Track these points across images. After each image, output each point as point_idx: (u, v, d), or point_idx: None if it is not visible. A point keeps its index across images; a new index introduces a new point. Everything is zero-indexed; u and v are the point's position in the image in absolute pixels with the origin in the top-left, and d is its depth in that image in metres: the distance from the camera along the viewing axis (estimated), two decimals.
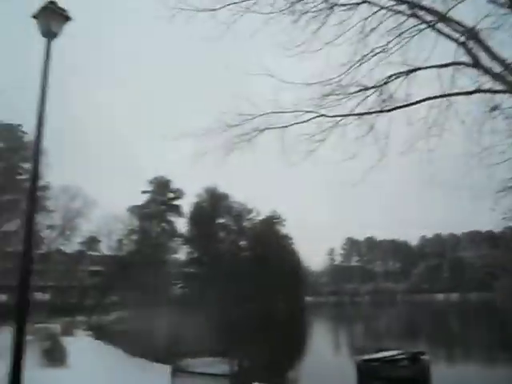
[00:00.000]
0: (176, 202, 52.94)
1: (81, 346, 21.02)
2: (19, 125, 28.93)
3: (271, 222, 59.50)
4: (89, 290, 38.17)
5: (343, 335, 34.56)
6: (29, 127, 26.67)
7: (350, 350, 23.61)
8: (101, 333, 27.28)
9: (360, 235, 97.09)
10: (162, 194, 52.11)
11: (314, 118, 6.47)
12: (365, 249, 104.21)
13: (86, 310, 35.64)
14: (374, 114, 6.38)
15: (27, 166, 28.11)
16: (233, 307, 46.24)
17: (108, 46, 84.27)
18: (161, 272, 46.50)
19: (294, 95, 6.40)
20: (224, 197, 55.59)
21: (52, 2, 6.23)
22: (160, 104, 73.05)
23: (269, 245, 53.03)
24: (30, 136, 26.50)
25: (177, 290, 49.85)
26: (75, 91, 64.46)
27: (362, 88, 6.32)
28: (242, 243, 56.70)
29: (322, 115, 6.43)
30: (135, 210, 48.92)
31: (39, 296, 32.81)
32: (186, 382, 2.59)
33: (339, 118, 6.43)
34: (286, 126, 6.54)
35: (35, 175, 7.48)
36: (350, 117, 6.43)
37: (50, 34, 6.33)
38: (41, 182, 27.91)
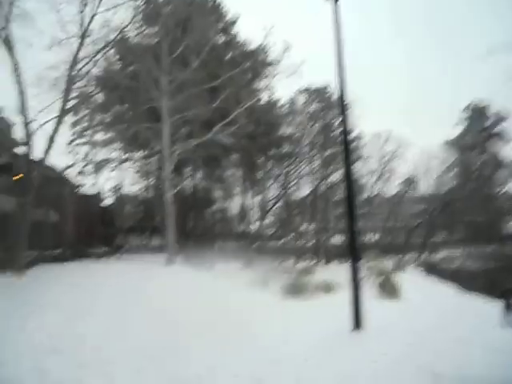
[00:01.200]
0: (497, 129, 46.88)
1: (412, 280, 21.99)
2: (325, 86, 32.51)
3: None
4: (413, 230, 38.93)
5: None
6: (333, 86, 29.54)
7: None
8: (431, 269, 27.63)
9: None
10: (479, 121, 46.95)
11: None
12: None
13: (414, 249, 36.72)
14: None
15: (338, 121, 31.03)
16: None
17: None
18: (488, 207, 42.59)
19: None
20: None
21: None
22: (451, 29, 64.52)
23: None
24: (335, 94, 29.21)
25: (510, 225, 44.56)
26: (364, 42, 64.87)
27: None
28: None
29: None
30: (451, 144, 46.20)
31: (369, 237, 36.01)
32: None
33: None
34: None
35: (345, 128, 8.37)
36: None
37: None
38: (353, 133, 30.56)
